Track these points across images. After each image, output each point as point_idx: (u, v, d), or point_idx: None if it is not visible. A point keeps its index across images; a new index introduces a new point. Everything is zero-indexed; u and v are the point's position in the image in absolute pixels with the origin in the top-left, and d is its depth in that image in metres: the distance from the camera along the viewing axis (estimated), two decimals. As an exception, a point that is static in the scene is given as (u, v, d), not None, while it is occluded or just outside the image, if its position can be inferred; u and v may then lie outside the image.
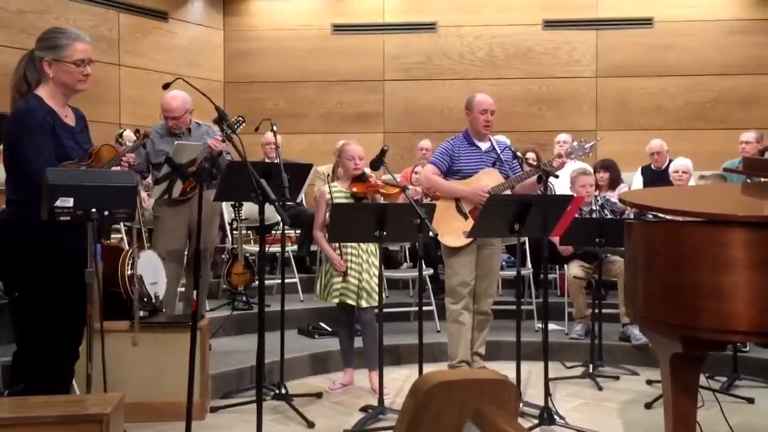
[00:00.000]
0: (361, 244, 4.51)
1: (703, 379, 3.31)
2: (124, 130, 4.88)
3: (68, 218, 2.73)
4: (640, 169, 7.36)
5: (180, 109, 4.73)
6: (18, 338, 3.03)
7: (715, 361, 4.41)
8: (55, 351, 2.98)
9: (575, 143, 4.66)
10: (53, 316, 2.95)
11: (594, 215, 5.65)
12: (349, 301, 4.48)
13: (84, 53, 3.02)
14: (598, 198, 5.85)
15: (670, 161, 6.72)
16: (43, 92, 3.01)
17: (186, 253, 4.93)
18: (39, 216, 2.77)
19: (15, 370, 3.07)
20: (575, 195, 5.55)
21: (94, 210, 2.75)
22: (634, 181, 7.37)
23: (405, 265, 6.73)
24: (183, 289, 5.22)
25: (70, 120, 3.09)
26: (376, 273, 4.43)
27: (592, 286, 5.50)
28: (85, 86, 3.06)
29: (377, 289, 4.27)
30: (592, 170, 6.18)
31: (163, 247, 4.74)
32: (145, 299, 4.20)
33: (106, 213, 2.79)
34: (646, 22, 8.79)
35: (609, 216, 5.64)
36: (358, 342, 4.75)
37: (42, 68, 3.00)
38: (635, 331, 5.34)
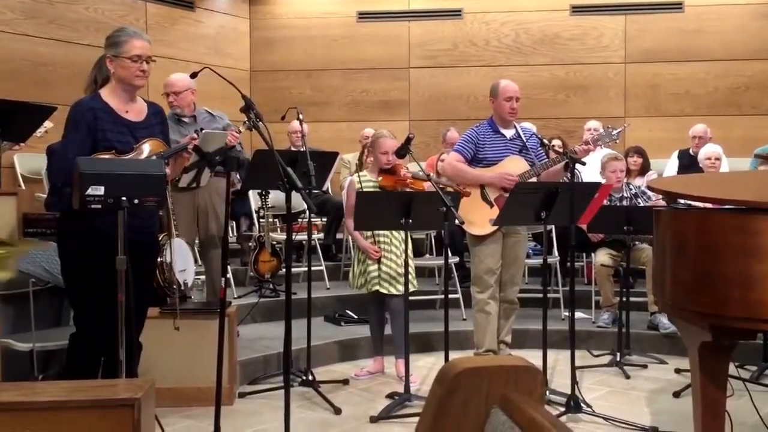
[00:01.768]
0: (394, 232, 4.52)
1: (732, 368, 3.27)
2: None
3: (99, 206, 2.79)
4: (676, 153, 7.27)
5: (181, 86, 4.74)
6: (74, 321, 3.22)
7: (745, 350, 4.36)
8: (96, 337, 3.07)
9: (602, 130, 4.62)
10: (91, 303, 3.05)
11: (625, 203, 5.59)
12: (381, 290, 4.49)
13: (141, 50, 3.16)
14: (632, 186, 5.77)
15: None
16: (105, 89, 3.19)
17: (197, 240, 4.97)
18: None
19: (69, 351, 3.27)
20: (605, 181, 5.52)
21: (124, 198, 2.81)
22: (668, 164, 7.28)
23: (426, 255, 6.74)
24: (203, 277, 5.27)
25: (133, 115, 3.22)
26: (410, 259, 4.49)
27: (619, 274, 5.46)
28: (142, 82, 3.20)
29: (411, 275, 4.34)
30: (623, 156, 6.11)
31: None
32: (174, 286, 4.25)
33: (136, 201, 2.84)
34: (676, 6, 8.64)
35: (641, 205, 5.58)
36: (387, 330, 4.78)
37: (106, 65, 3.17)
38: (663, 320, 5.30)
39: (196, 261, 4.94)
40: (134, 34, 3.18)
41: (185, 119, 4.77)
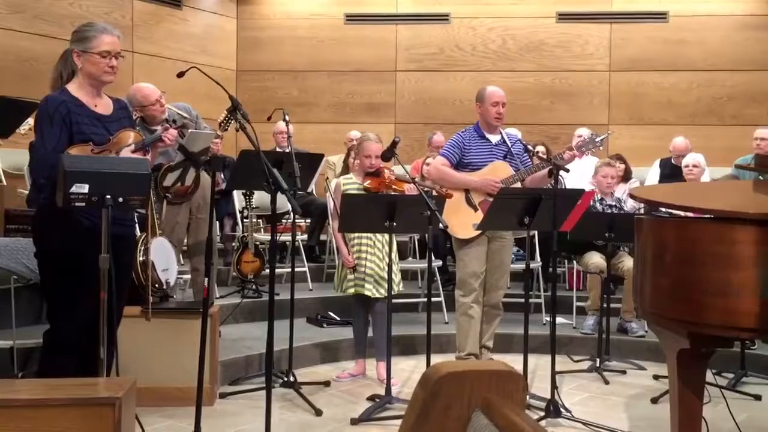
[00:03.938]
0: (378, 235, 4.53)
1: (710, 376, 3.31)
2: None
3: (83, 204, 2.78)
4: (658, 162, 7.33)
5: (159, 91, 4.59)
6: (48, 318, 3.18)
7: (723, 357, 4.42)
8: (72, 335, 3.04)
9: (586, 137, 4.66)
10: (68, 300, 3.02)
11: (614, 210, 5.62)
12: (366, 292, 4.51)
13: (110, 45, 3.11)
14: (612, 196, 5.82)
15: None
16: (72, 84, 3.13)
17: (186, 243, 4.96)
18: (52, 200, 2.84)
19: (43, 349, 3.23)
20: (595, 185, 5.59)
21: (108, 196, 2.80)
22: (650, 173, 7.35)
23: (410, 258, 6.76)
24: (185, 276, 5.26)
25: (102, 109, 3.18)
26: (394, 263, 4.49)
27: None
28: (112, 78, 3.16)
29: (394, 279, 4.33)
30: (615, 163, 6.16)
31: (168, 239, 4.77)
32: (156, 285, 4.23)
33: (121, 200, 2.84)
34: (661, 16, 8.74)
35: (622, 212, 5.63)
36: (369, 332, 4.79)
37: (73, 60, 3.11)
38: (632, 325, 5.45)
39: (178, 261, 4.93)
40: (103, 30, 3.13)
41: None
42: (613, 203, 5.69)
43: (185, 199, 4.70)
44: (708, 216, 2.80)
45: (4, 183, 6.42)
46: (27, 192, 5.42)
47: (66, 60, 3.16)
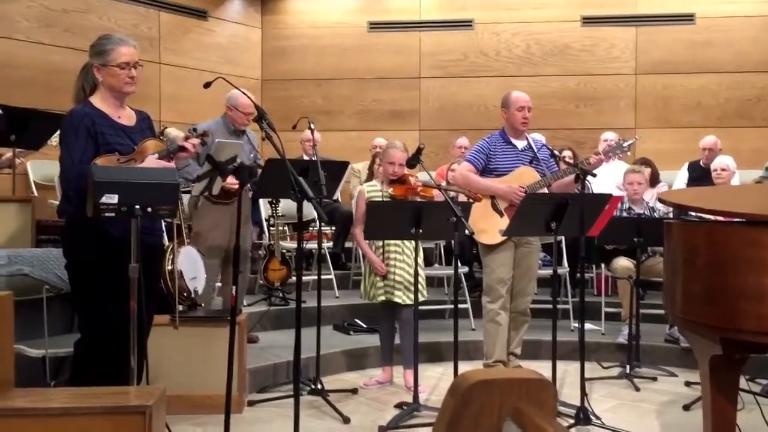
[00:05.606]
0: (405, 242, 4.52)
1: (743, 382, 3.26)
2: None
3: (113, 214, 2.81)
4: (686, 165, 7.24)
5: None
6: (79, 328, 3.23)
7: (756, 363, 4.34)
8: (102, 344, 3.08)
9: (614, 141, 4.62)
10: (99, 310, 3.06)
11: (644, 214, 5.56)
12: (396, 299, 4.50)
13: (128, 56, 3.16)
14: (646, 201, 5.74)
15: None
16: (96, 97, 3.19)
17: (227, 249, 5.02)
18: (81, 211, 2.88)
19: (74, 359, 3.26)
20: (625, 193, 5.51)
21: (137, 207, 2.83)
22: (678, 177, 7.26)
23: (436, 265, 6.74)
24: (220, 284, 5.30)
25: (126, 120, 3.24)
26: (420, 268, 4.50)
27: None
28: (133, 88, 3.21)
29: (421, 284, 4.31)
30: (641, 169, 6.10)
31: (205, 243, 4.82)
32: (185, 294, 4.27)
33: (150, 210, 2.87)
34: (688, 18, 8.64)
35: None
36: (396, 339, 4.78)
37: (93, 74, 3.17)
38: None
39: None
40: (120, 41, 3.18)
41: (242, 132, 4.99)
42: (642, 212, 5.59)
43: (230, 200, 4.78)
44: (739, 219, 2.76)
45: (36, 194, 6.53)
46: (58, 203, 5.50)
47: (86, 74, 3.21)
